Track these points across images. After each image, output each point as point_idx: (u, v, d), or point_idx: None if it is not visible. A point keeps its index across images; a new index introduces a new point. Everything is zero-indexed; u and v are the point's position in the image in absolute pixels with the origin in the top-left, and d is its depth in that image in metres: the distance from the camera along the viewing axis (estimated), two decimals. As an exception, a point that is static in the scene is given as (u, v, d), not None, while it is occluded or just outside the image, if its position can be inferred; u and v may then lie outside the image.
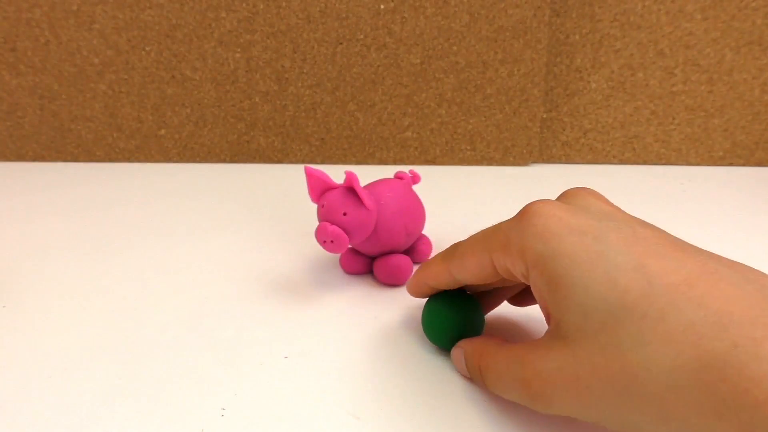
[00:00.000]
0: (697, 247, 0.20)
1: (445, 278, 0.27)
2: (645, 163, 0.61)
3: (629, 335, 0.18)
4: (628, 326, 0.18)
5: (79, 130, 0.60)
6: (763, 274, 0.19)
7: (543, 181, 0.56)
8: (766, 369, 0.15)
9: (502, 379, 0.23)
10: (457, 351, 0.27)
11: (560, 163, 0.62)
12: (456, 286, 0.27)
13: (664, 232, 0.21)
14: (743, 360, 0.16)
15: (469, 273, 0.25)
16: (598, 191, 0.24)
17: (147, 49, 0.57)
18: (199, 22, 0.56)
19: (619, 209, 0.23)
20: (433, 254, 0.40)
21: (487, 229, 0.25)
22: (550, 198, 0.24)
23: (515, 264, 0.22)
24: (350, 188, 0.32)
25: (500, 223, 0.24)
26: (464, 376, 0.27)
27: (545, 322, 0.23)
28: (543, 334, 0.22)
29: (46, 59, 0.57)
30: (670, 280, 0.18)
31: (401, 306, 0.33)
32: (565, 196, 0.24)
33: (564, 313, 0.20)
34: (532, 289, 0.22)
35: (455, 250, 0.26)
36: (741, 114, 0.58)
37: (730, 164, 0.61)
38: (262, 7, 0.55)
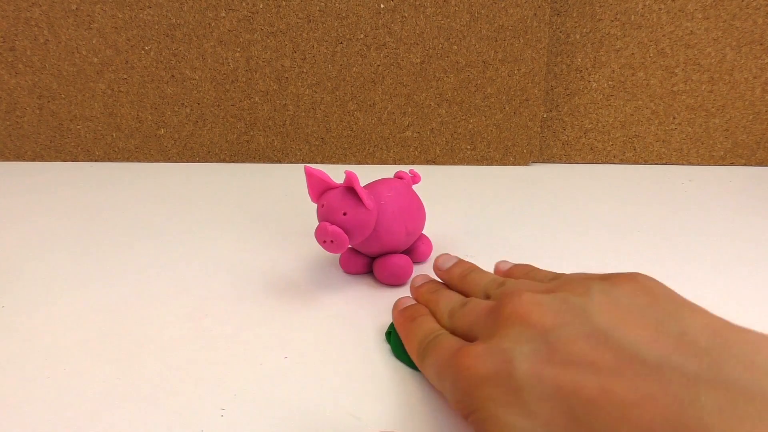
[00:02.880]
0: (609, 329, 0.20)
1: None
2: (646, 162, 0.61)
3: None
4: None
5: (78, 129, 0.60)
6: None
7: (543, 181, 0.56)
8: None
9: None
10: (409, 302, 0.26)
11: (560, 162, 0.62)
12: None
13: (581, 304, 0.21)
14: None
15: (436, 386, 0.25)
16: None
17: (146, 48, 0.57)
18: (198, 21, 0.56)
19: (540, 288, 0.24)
20: (433, 254, 0.39)
21: (439, 353, 0.24)
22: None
23: (450, 397, 0.23)
24: (350, 188, 0.32)
25: (445, 356, 0.24)
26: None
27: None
28: None
29: (45, 58, 0.57)
30: (589, 394, 0.18)
31: (401, 306, 0.33)
32: (496, 305, 0.24)
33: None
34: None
35: (425, 354, 0.25)
36: (742, 113, 0.58)
37: (731, 164, 0.61)
38: (261, 6, 0.55)
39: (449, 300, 0.28)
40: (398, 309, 0.30)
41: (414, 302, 0.30)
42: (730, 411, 0.16)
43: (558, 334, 0.20)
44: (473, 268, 0.30)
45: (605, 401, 0.18)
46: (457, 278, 0.30)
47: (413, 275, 0.36)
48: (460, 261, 0.31)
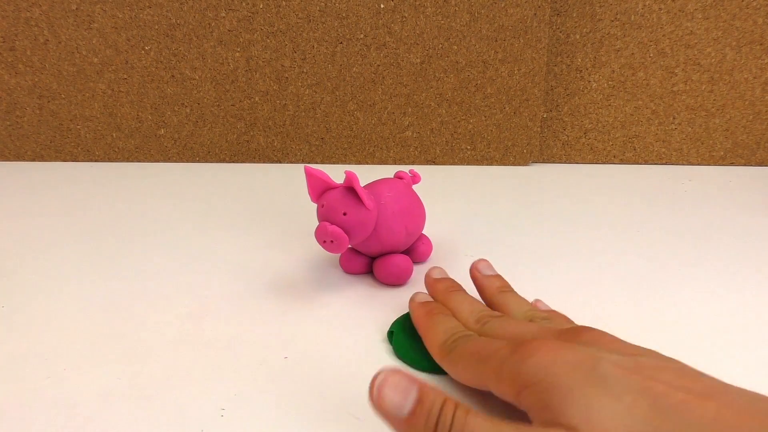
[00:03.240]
0: (700, 372, 0.20)
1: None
2: (646, 162, 0.61)
3: None
4: None
5: (78, 129, 0.60)
6: (764, 397, 0.19)
7: (543, 181, 0.56)
8: None
9: None
10: (403, 381, 0.21)
11: (560, 162, 0.62)
12: None
13: (672, 360, 0.21)
14: None
15: (461, 379, 0.25)
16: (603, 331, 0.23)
17: (146, 48, 0.57)
18: (198, 21, 0.56)
19: (627, 345, 0.22)
20: (433, 254, 0.39)
21: (480, 348, 0.24)
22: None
23: (506, 393, 0.21)
24: (350, 188, 0.32)
25: (493, 349, 0.23)
26: (392, 414, 0.21)
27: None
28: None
29: (45, 58, 0.57)
30: (676, 398, 0.18)
31: (401, 306, 0.33)
32: (569, 334, 0.23)
33: (567, 409, 0.19)
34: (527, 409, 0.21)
35: (453, 348, 0.25)
36: (742, 113, 0.58)
37: (731, 164, 0.61)
38: (261, 6, 0.55)
39: (475, 306, 0.28)
40: (417, 302, 0.30)
41: (431, 299, 0.30)
42: None
43: (645, 358, 0.20)
44: (509, 289, 0.31)
45: (697, 406, 0.17)
46: (495, 291, 0.30)
47: (413, 275, 0.36)
48: (495, 276, 0.32)
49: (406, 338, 0.29)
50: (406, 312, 0.31)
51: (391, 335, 0.29)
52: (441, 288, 0.30)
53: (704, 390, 0.18)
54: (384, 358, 0.29)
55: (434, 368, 0.27)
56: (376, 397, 0.20)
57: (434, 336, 0.27)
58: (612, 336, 0.23)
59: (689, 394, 0.18)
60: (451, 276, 0.32)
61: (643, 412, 0.18)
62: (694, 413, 0.17)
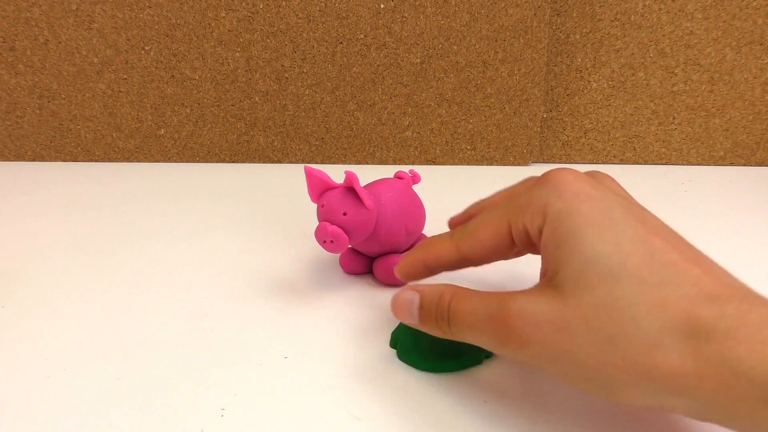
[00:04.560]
0: (690, 243, 0.22)
1: (449, 256, 0.27)
2: (646, 162, 0.61)
3: (625, 295, 0.19)
4: (626, 287, 0.19)
5: (78, 129, 0.60)
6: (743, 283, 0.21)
7: (543, 181, 0.56)
8: (750, 332, 0.17)
9: (475, 316, 0.23)
10: (407, 294, 0.26)
11: (561, 162, 0.62)
12: (456, 267, 0.27)
13: (668, 227, 0.23)
14: (729, 325, 0.18)
15: (482, 245, 0.25)
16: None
17: (146, 48, 0.57)
18: (198, 21, 0.56)
19: (632, 198, 0.25)
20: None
21: (497, 199, 0.26)
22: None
23: (533, 221, 0.23)
24: (350, 188, 0.32)
25: (514, 189, 0.26)
26: (410, 323, 0.26)
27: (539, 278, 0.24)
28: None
29: (45, 58, 0.57)
30: (671, 258, 0.20)
31: (401, 306, 0.33)
32: (588, 174, 0.25)
33: (565, 265, 0.21)
34: (541, 246, 0.23)
35: (464, 228, 0.27)
36: (742, 114, 0.58)
37: (731, 164, 0.61)
38: (261, 6, 0.55)
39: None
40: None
41: None
42: None
43: (649, 214, 0.23)
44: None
45: (684, 267, 0.20)
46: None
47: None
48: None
49: (409, 342, 0.29)
50: None
51: (395, 340, 0.29)
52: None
53: (695, 257, 0.20)
54: (383, 357, 0.29)
55: (440, 368, 0.27)
56: (396, 316, 0.26)
57: (431, 241, 0.28)
58: (622, 187, 0.26)
59: (681, 256, 0.20)
60: (451, 276, 0.32)
61: (637, 261, 0.20)
62: (680, 274, 0.19)
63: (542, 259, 0.23)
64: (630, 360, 0.19)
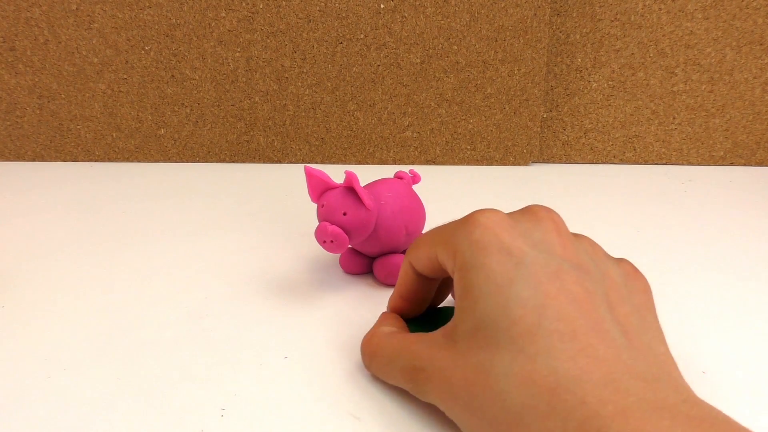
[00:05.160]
0: (614, 304, 0.21)
1: (408, 274, 0.27)
2: (646, 162, 0.61)
3: (502, 363, 0.19)
4: (504, 355, 0.19)
5: (78, 129, 0.60)
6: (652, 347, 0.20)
7: (543, 181, 0.56)
8: (608, 407, 0.16)
9: (391, 365, 0.24)
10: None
11: (561, 163, 0.62)
12: (417, 285, 0.27)
13: (603, 279, 0.21)
14: (591, 410, 0.17)
15: (422, 264, 0.26)
16: (560, 217, 0.23)
17: (146, 48, 0.57)
18: (198, 21, 0.56)
19: (575, 243, 0.22)
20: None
21: (442, 224, 0.25)
22: (541, 205, 0.24)
23: (447, 262, 0.23)
24: (350, 188, 0.32)
25: (451, 222, 0.24)
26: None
27: None
28: None
29: (45, 58, 0.57)
30: (557, 327, 0.19)
31: (401, 306, 0.33)
32: (523, 214, 0.23)
33: (462, 320, 0.21)
34: (453, 289, 0.23)
35: (415, 241, 0.27)
36: (742, 114, 0.58)
37: (731, 164, 0.61)
38: (261, 6, 0.55)
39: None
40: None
41: None
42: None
43: (569, 264, 0.21)
44: None
45: (564, 338, 0.19)
46: None
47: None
48: None
49: None
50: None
51: None
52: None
53: (584, 325, 0.19)
54: (384, 358, 0.29)
55: None
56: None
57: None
58: (560, 229, 0.23)
59: (574, 324, 0.19)
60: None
61: (521, 328, 0.19)
62: (560, 344, 0.18)
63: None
64: (497, 425, 0.19)
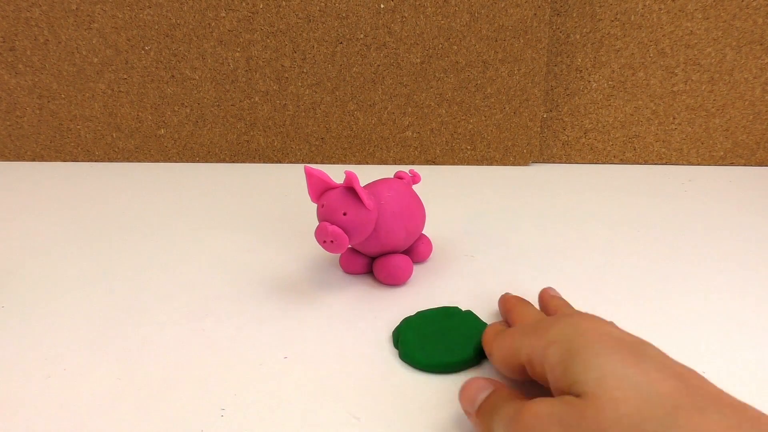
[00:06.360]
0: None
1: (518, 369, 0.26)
2: (646, 162, 0.61)
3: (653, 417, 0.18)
4: (657, 409, 0.18)
5: (78, 129, 0.60)
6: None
7: (543, 181, 0.56)
8: None
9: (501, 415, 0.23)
10: (480, 383, 0.25)
11: (561, 162, 0.62)
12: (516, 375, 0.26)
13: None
14: None
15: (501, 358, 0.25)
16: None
17: (146, 48, 0.57)
18: (198, 21, 0.56)
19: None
20: (433, 254, 0.39)
21: (524, 326, 0.25)
22: None
23: (535, 351, 0.23)
24: (350, 188, 0.32)
25: (533, 324, 0.25)
26: (465, 409, 0.25)
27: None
28: None
29: (45, 59, 0.57)
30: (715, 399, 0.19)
31: (401, 306, 0.33)
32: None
33: (582, 374, 0.20)
34: (547, 370, 0.22)
35: (498, 335, 0.26)
36: (742, 113, 0.58)
37: (731, 164, 0.61)
38: (261, 6, 0.55)
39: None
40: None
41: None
42: None
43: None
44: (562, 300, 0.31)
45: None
46: (549, 299, 0.32)
47: (413, 275, 0.36)
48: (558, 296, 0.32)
49: (412, 342, 0.29)
50: (409, 315, 0.31)
51: (397, 339, 0.29)
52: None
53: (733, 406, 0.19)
54: (384, 358, 0.29)
55: (438, 369, 0.27)
56: (460, 397, 0.25)
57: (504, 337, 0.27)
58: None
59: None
60: (450, 275, 0.32)
61: (668, 388, 0.19)
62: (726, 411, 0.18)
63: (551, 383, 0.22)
64: None
